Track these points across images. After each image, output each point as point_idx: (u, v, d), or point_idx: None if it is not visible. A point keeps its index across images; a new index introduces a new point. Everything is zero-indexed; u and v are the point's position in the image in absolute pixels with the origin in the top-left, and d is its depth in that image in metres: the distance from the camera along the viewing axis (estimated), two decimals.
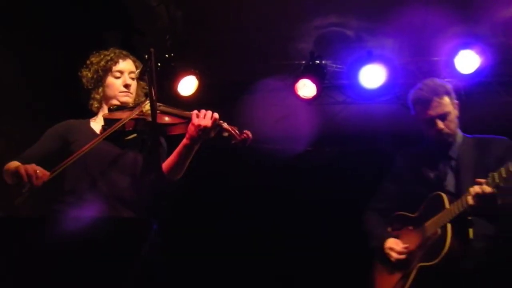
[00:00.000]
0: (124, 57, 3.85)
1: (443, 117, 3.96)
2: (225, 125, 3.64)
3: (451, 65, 5.79)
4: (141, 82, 3.85)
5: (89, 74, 3.81)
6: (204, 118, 3.59)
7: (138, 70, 3.46)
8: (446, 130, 3.97)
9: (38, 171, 3.32)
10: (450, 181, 3.97)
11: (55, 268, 3.46)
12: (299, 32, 5.93)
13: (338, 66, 6.28)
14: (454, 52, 5.75)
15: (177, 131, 3.66)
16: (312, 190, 7.08)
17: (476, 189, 3.56)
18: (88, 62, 3.86)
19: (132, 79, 3.81)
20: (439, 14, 5.47)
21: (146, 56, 3.20)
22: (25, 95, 5.35)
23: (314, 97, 6.15)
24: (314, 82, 6.06)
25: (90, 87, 3.82)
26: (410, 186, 4.15)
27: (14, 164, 3.56)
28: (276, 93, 6.42)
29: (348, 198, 6.96)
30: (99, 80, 3.80)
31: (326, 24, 5.88)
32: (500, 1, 5.40)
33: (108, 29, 5.50)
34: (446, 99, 3.97)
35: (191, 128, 3.60)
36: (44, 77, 5.36)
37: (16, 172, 3.36)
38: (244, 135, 3.63)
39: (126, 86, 3.78)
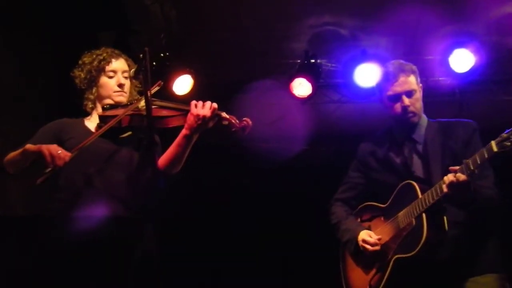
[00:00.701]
0: (117, 57, 3.85)
1: (409, 94, 3.89)
2: (224, 114, 3.67)
3: (445, 64, 5.81)
4: (134, 81, 3.85)
5: (82, 75, 3.80)
6: (203, 108, 3.62)
7: (132, 69, 3.47)
8: (412, 108, 3.89)
9: (60, 152, 3.38)
10: (417, 166, 3.90)
11: (53, 268, 3.47)
12: (294, 31, 5.94)
13: (333, 65, 6.29)
14: (449, 51, 5.77)
15: (174, 123, 3.68)
16: (307, 189, 7.08)
17: (450, 177, 3.49)
18: (80, 62, 3.85)
19: (126, 78, 3.82)
20: (433, 13, 5.49)
21: (141, 55, 3.21)
22: (24, 95, 5.35)
23: (309, 96, 6.16)
24: (309, 81, 6.07)
25: (83, 87, 3.81)
26: (376, 173, 4.07)
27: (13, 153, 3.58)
28: (272, 92, 6.43)
29: None
30: (93, 80, 3.78)
31: (321, 23, 5.89)
32: (494, 0, 5.42)
33: (103, 28, 5.51)
34: (413, 78, 3.91)
35: (190, 118, 3.62)
36: (43, 77, 5.36)
37: (38, 152, 3.40)
38: (244, 122, 3.65)
39: (120, 85, 3.78)
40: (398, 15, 5.48)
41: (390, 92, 3.95)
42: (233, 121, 3.67)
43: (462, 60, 5.74)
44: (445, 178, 3.53)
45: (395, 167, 3.96)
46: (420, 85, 3.99)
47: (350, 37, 6.02)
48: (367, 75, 5.98)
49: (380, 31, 5.93)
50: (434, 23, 5.69)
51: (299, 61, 6.13)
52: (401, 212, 3.82)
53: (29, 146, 3.50)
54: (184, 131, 3.67)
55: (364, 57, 5.96)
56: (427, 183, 3.73)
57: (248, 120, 3.67)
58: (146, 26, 5.90)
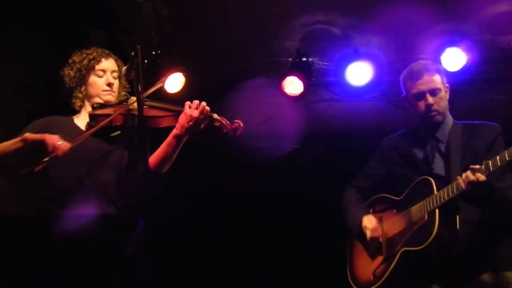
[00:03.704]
0: (107, 56, 3.87)
1: (433, 92, 3.94)
2: (215, 115, 3.70)
3: (437, 62, 5.81)
4: (123, 81, 3.87)
5: (71, 73, 3.82)
6: (196, 109, 3.64)
7: (123, 68, 3.46)
8: (436, 106, 3.94)
9: (61, 142, 3.39)
10: (438, 165, 3.93)
11: (40, 267, 3.46)
12: (286, 29, 5.93)
13: (325, 63, 6.29)
14: (441, 50, 5.77)
15: (165, 123, 3.70)
16: (298, 187, 7.08)
17: (469, 175, 3.54)
18: (70, 61, 3.87)
19: (115, 78, 3.84)
20: (425, 11, 5.49)
21: (133, 53, 3.20)
22: (14, 93, 5.33)
23: (301, 94, 6.15)
24: (301, 79, 6.07)
25: (72, 85, 3.83)
26: (396, 166, 4.11)
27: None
28: (263, 91, 6.43)
29: (335, 196, 7.00)
30: (82, 79, 3.80)
31: (313, 21, 5.89)
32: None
33: (94, 27, 5.49)
34: (438, 77, 3.97)
35: (182, 118, 3.65)
36: (34, 75, 5.34)
37: (41, 140, 3.40)
38: (235, 124, 3.67)
39: (109, 85, 3.80)
40: (390, 14, 5.49)
41: (414, 90, 4.01)
42: (224, 122, 3.69)
43: (454, 59, 5.74)
44: (464, 174, 3.57)
45: (416, 162, 4.00)
46: (447, 85, 4.04)
47: (342, 36, 6.02)
48: (358, 73, 5.99)
49: (372, 29, 5.93)
50: (426, 22, 5.70)
51: (291, 59, 6.13)
52: (415, 206, 3.86)
53: (28, 134, 3.48)
54: (175, 131, 3.68)
55: (356, 55, 5.96)
56: (445, 182, 3.76)
57: (240, 122, 3.69)
58: (138, 24, 5.89)
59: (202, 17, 5.93)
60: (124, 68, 3.44)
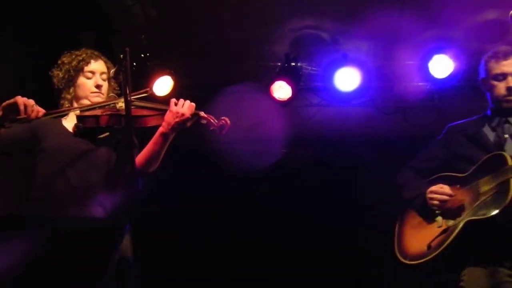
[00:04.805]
0: (96, 58, 3.87)
1: None
2: (202, 113, 3.71)
3: (425, 69, 5.85)
4: (113, 84, 3.87)
5: (60, 74, 3.82)
6: (182, 106, 3.64)
7: (112, 70, 3.47)
8: None
9: (34, 105, 3.43)
10: (510, 148, 3.80)
11: (26, 269, 3.44)
12: (275, 34, 5.94)
13: (313, 68, 6.30)
14: (428, 57, 5.81)
15: (153, 122, 3.70)
16: (285, 192, 7.09)
17: None
18: (59, 62, 3.87)
19: (104, 80, 3.83)
20: (413, 18, 5.52)
21: (121, 55, 3.21)
22: (7, 97, 5.31)
23: (290, 99, 6.16)
24: (289, 84, 6.07)
25: (61, 87, 3.82)
26: (463, 149, 3.96)
27: None
28: (252, 95, 6.42)
29: (322, 201, 7.01)
30: (71, 80, 3.80)
31: (302, 26, 5.90)
32: (473, 7, 5.46)
33: (84, 28, 5.49)
34: None
35: (168, 115, 3.66)
36: (24, 77, 5.33)
37: (13, 102, 3.42)
38: (222, 121, 3.68)
39: (98, 86, 3.80)
40: (378, 20, 5.51)
41: (496, 71, 3.92)
42: (211, 120, 3.70)
43: (441, 65, 5.78)
44: None
45: (487, 143, 3.89)
46: None
47: (331, 41, 6.03)
48: (347, 79, 6.00)
49: (360, 35, 5.95)
50: (414, 29, 5.73)
51: (279, 64, 6.14)
52: (483, 178, 3.74)
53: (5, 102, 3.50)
54: (161, 129, 3.69)
55: (344, 61, 5.98)
56: None
57: (226, 119, 3.70)
58: (127, 26, 5.88)
59: (192, 20, 5.93)
60: (112, 70, 3.45)
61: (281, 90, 6.15)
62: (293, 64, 6.10)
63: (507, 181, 3.59)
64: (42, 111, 3.44)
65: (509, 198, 3.54)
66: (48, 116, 3.52)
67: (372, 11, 5.44)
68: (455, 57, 5.75)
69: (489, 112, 4.04)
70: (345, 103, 6.39)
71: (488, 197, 3.66)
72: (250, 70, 6.29)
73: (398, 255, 4.08)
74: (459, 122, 4.17)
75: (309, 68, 6.31)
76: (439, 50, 5.77)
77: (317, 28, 5.92)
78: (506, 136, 3.85)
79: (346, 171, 7.06)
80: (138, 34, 6.05)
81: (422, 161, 4.20)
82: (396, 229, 4.18)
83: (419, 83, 6.19)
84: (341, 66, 5.99)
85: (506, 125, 3.88)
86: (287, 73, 6.09)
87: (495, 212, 3.56)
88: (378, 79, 6.11)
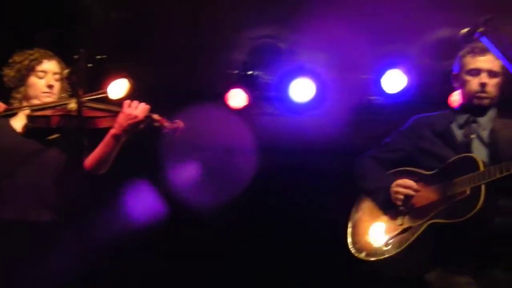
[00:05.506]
0: (49, 58, 3.84)
1: (492, 73, 3.76)
2: (155, 115, 3.69)
3: (378, 83, 5.93)
4: (65, 84, 3.84)
5: (11, 73, 3.79)
6: (135, 108, 3.63)
7: (66, 70, 3.45)
8: (490, 88, 3.79)
9: None
10: (477, 149, 3.75)
11: None
12: (233, 41, 5.96)
13: (269, 78, 6.32)
14: (382, 71, 5.90)
15: (104, 124, 3.69)
16: (239, 202, 7.03)
17: None
18: (11, 60, 3.84)
19: (56, 80, 3.80)
20: (370, 33, 5.59)
21: (76, 56, 3.20)
22: None
23: (244, 108, 6.19)
24: (245, 92, 6.11)
25: (11, 86, 3.79)
26: (429, 144, 3.89)
27: None
28: (208, 102, 6.42)
29: (278, 211, 7.01)
30: (21, 79, 3.78)
31: (260, 35, 5.93)
32: (429, 24, 5.55)
33: (42, 27, 5.44)
34: (500, 64, 3.67)
35: (121, 117, 3.64)
36: None
37: None
38: (175, 124, 3.68)
39: (49, 86, 3.77)
40: (335, 33, 5.57)
41: (471, 66, 3.84)
42: (164, 123, 3.69)
43: (394, 81, 5.87)
44: None
45: (455, 143, 3.82)
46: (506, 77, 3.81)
47: (287, 51, 6.07)
48: (301, 90, 6.05)
49: (318, 47, 6.00)
50: (370, 43, 5.79)
51: (236, 71, 6.16)
52: (452, 180, 3.66)
53: None
54: (113, 131, 3.66)
55: (300, 71, 6.03)
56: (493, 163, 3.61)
57: (180, 122, 3.71)
58: (86, 27, 5.84)
59: (151, 24, 5.91)
60: (66, 71, 3.44)
61: (237, 98, 6.17)
62: (250, 72, 6.13)
63: (479, 187, 3.55)
64: (2, 106, 3.40)
65: (479, 204, 3.50)
66: (5, 111, 3.48)
67: (330, 25, 5.50)
68: (409, 73, 5.84)
69: (457, 107, 4.01)
70: (300, 114, 6.41)
71: (456, 200, 3.62)
72: (207, 76, 6.30)
73: (352, 248, 3.97)
74: (425, 115, 4.11)
75: (265, 77, 6.33)
76: (393, 65, 5.87)
77: (274, 37, 5.96)
78: (473, 136, 3.81)
79: (300, 180, 7.08)
80: (97, 35, 6.02)
81: (384, 152, 4.11)
82: (351, 220, 4.07)
83: (373, 97, 6.26)
84: (296, 76, 6.04)
85: (474, 125, 3.84)
86: (243, 81, 6.12)
87: (464, 217, 3.51)
88: (333, 91, 6.16)
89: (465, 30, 3.59)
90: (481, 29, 3.52)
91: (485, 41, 3.53)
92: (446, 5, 5.19)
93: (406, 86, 5.87)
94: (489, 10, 4.20)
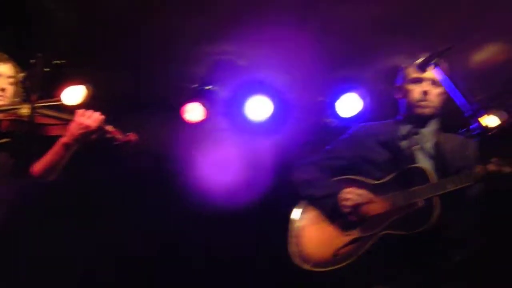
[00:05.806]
0: (4, 61, 3.80)
1: (435, 83, 3.80)
2: (108, 127, 3.65)
3: (333, 106, 6.00)
4: (19, 88, 3.80)
5: None
6: (88, 118, 3.58)
7: (21, 74, 3.42)
8: (431, 97, 3.82)
9: None
10: (423, 162, 3.78)
11: None
12: (190, 55, 5.96)
13: (228, 93, 6.34)
14: (338, 95, 5.97)
15: (55, 131, 3.64)
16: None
17: (491, 167, 3.46)
18: None
19: (10, 84, 3.75)
20: (326, 57, 5.65)
21: (33, 61, 3.17)
22: None
23: (201, 122, 6.19)
24: (201, 106, 6.12)
25: None
26: (371, 153, 3.88)
27: None
28: (164, 114, 6.41)
29: (233, 232, 6.97)
30: None
31: (219, 50, 5.95)
32: (385, 51, 5.63)
33: (2, 28, 5.39)
34: (444, 75, 3.63)
35: (73, 125, 3.58)
36: None
37: None
38: (128, 137, 3.64)
39: (2, 90, 3.71)
40: (296, 53, 5.62)
41: (414, 75, 3.86)
42: (117, 135, 3.65)
43: (349, 104, 5.97)
44: (489, 166, 3.49)
45: (400, 154, 3.81)
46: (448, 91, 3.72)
47: (246, 68, 6.10)
48: (258, 108, 6.10)
49: (278, 66, 6.04)
50: (329, 66, 5.85)
51: (194, 86, 6.17)
52: (403, 191, 3.65)
53: None
54: (63, 139, 3.61)
55: (258, 89, 6.06)
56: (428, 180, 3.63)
57: (133, 135, 3.67)
58: (46, 30, 5.79)
59: (113, 32, 5.88)
60: (21, 74, 3.41)
61: (193, 112, 6.17)
62: (208, 87, 6.14)
63: (432, 199, 3.56)
64: None
65: (434, 216, 3.52)
66: None
67: (290, 44, 5.55)
68: (364, 97, 5.91)
69: (400, 117, 4.01)
70: (255, 132, 6.42)
71: (409, 212, 3.60)
72: (165, 89, 6.29)
73: (296, 258, 3.83)
74: (368, 123, 4.12)
75: (223, 92, 6.35)
76: (349, 89, 5.97)
77: (234, 53, 5.98)
78: (416, 147, 3.82)
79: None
80: (56, 39, 5.97)
81: (326, 159, 4.06)
82: (293, 229, 3.94)
83: (328, 119, 6.31)
84: (253, 94, 6.08)
85: (416, 136, 3.86)
86: (201, 96, 6.13)
87: (419, 229, 3.51)
88: (289, 112, 6.20)
89: (420, 59, 3.65)
90: (435, 60, 3.59)
91: (438, 72, 3.60)
92: (400, 31, 5.26)
93: (361, 110, 5.94)
94: (443, 37, 4.29)
